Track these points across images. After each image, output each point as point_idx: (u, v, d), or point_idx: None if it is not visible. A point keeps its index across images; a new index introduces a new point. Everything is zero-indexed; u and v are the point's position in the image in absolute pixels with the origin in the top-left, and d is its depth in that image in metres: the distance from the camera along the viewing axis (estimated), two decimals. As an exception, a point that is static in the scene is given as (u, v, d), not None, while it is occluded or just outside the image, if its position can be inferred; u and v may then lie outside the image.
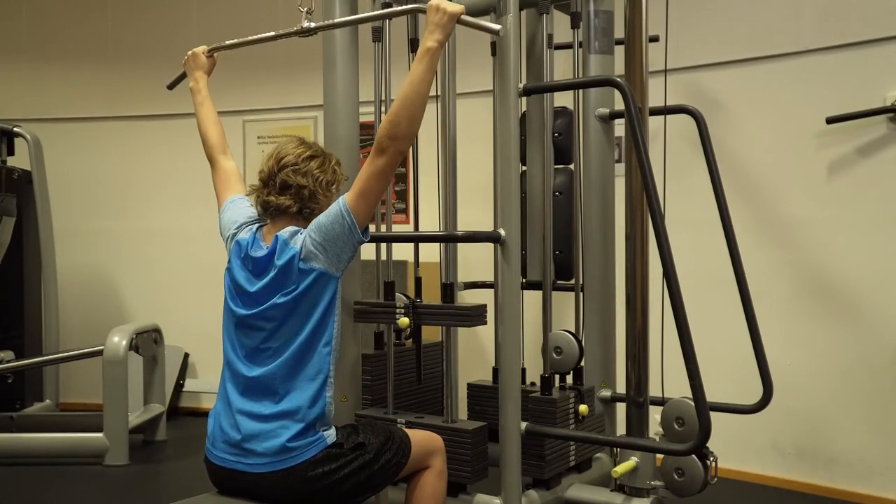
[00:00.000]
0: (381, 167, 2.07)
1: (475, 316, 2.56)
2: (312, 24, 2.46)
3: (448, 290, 2.66)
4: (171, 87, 2.84)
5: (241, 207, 2.32)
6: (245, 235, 2.20)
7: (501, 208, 2.54)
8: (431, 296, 2.83)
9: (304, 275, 2.07)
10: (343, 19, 2.68)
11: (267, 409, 2.05)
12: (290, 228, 2.14)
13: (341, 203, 2.08)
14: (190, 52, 2.62)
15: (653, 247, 2.38)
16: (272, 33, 2.54)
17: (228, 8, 5.38)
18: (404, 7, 2.48)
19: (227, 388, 2.13)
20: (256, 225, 2.24)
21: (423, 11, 2.15)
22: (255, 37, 2.58)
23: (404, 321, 2.62)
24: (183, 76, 2.71)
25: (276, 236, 2.12)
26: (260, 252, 2.14)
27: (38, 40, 5.66)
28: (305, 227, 2.14)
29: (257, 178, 2.24)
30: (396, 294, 2.86)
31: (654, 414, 2.70)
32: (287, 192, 2.16)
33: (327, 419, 2.11)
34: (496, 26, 2.24)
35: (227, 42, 2.62)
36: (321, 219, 2.10)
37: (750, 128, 3.90)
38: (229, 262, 2.22)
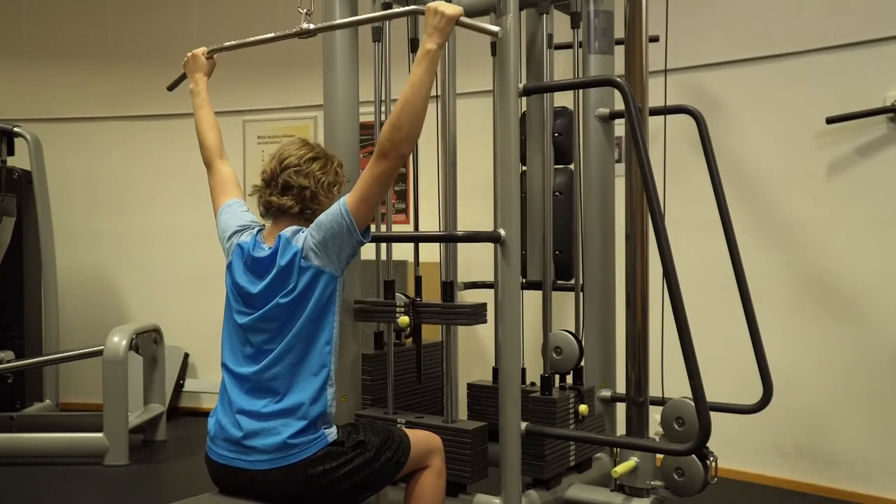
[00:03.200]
0: (383, 171, 2.08)
1: (475, 314, 2.56)
2: (312, 26, 2.46)
3: (448, 288, 2.66)
4: (171, 88, 2.84)
5: (239, 212, 2.33)
6: (246, 239, 2.22)
7: (501, 208, 2.54)
8: (431, 295, 2.83)
9: (303, 272, 2.08)
10: (343, 21, 2.68)
11: (268, 407, 2.06)
12: (292, 228, 2.16)
13: (342, 203, 2.09)
14: (190, 54, 2.62)
15: (653, 247, 2.38)
16: (272, 35, 2.54)
17: (228, 8, 5.38)
18: (404, 9, 2.48)
19: (227, 388, 2.14)
20: (256, 228, 2.26)
21: (423, 13, 2.15)
22: (254, 38, 2.58)
23: (404, 320, 2.63)
24: (183, 77, 2.71)
25: (279, 236, 2.14)
26: (262, 252, 2.16)
27: (38, 40, 5.66)
28: (307, 227, 2.15)
29: (259, 178, 2.26)
30: (396, 293, 2.86)
31: (654, 414, 2.70)
32: (289, 192, 2.18)
33: (328, 417, 2.11)
34: (495, 28, 2.22)
35: (227, 43, 2.62)
36: (322, 218, 2.11)
37: (750, 128, 3.90)
38: (230, 264, 2.23)
